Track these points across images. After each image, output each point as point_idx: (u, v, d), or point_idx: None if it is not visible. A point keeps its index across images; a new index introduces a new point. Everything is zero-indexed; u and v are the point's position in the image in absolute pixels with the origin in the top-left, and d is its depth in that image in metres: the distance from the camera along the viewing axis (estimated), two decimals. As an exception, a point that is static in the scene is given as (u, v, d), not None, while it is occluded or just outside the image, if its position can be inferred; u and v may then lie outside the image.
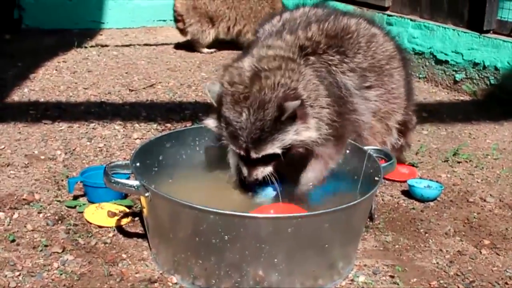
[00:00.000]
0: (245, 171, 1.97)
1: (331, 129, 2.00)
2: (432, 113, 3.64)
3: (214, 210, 1.67)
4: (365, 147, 2.17)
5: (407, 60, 2.45)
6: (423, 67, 4.26)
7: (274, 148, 1.90)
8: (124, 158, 2.73)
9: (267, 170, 1.96)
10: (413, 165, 2.84)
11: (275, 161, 1.96)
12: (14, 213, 2.21)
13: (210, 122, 2.04)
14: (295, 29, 2.09)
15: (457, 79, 4.05)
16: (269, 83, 1.89)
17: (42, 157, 2.72)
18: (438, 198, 2.53)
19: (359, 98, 2.16)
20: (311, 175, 2.11)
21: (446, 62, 4.11)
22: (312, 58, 2.05)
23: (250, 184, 2.03)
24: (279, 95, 1.88)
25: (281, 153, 1.91)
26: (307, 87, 1.94)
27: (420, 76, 4.27)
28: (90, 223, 2.17)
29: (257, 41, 2.18)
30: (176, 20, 4.86)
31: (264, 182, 2.00)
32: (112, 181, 1.86)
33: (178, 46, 4.97)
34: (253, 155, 1.92)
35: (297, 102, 1.86)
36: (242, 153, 1.93)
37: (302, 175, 2.11)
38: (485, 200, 2.53)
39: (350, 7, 4.51)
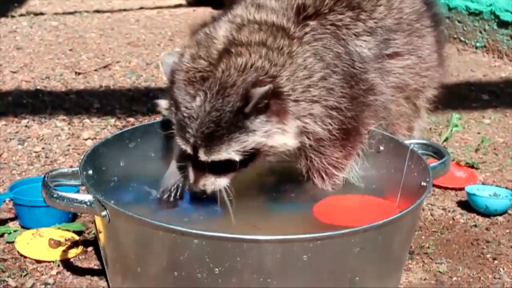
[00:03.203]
0: (191, 176, 2.00)
1: (335, 123, 2.02)
2: (496, 95, 3.65)
3: (199, 232, 1.66)
4: (406, 141, 2.17)
5: (439, 16, 2.51)
6: (481, 32, 4.26)
7: (229, 151, 1.91)
8: (71, 166, 2.72)
9: (221, 182, 1.97)
10: (472, 167, 2.85)
11: (232, 172, 1.97)
12: None
13: (163, 103, 2.10)
14: None
15: (529, 47, 4.07)
16: (239, 63, 1.92)
17: (-45, 167, 2.72)
18: (510, 211, 2.53)
19: (377, 72, 2.19)
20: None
21: (514, 24, 4.11)
22: (312, 23, 2.08)
23: (195, 194, 2.04)
24: (247, 80, 1.89)
25: (238, 161, 1.92)
26: (295, 75, 1.97)
27: (478, 44, 4.27)
28: (25, 257, 2.15)
29: None
30: None
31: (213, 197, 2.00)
32: (55, 196, 1.84)
33: (142, 12, 4.96)
34: (202, 156, 1.93)
35: (266, 88, 1.87)
36: (188, 150, 1.96)
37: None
38: None
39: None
